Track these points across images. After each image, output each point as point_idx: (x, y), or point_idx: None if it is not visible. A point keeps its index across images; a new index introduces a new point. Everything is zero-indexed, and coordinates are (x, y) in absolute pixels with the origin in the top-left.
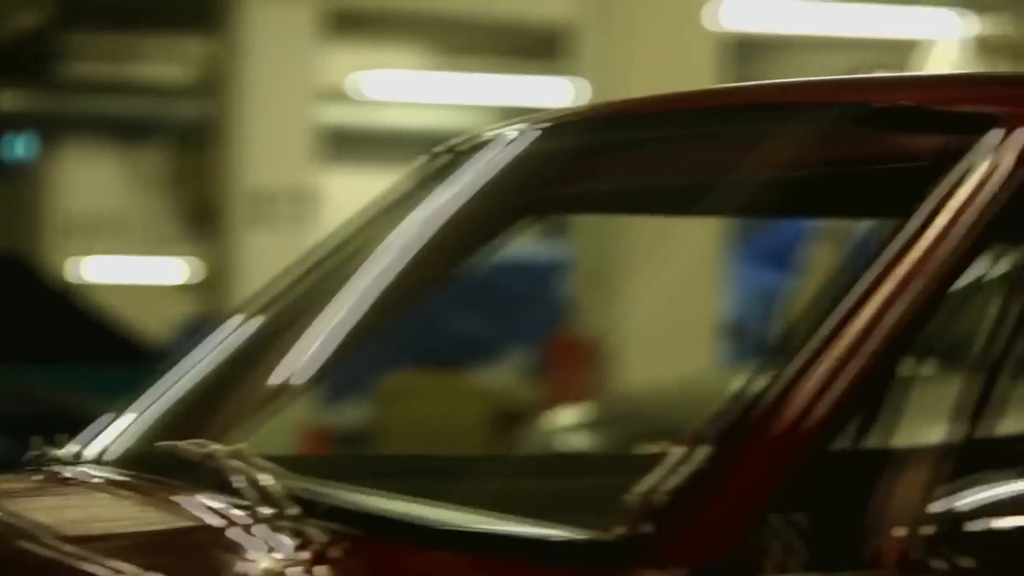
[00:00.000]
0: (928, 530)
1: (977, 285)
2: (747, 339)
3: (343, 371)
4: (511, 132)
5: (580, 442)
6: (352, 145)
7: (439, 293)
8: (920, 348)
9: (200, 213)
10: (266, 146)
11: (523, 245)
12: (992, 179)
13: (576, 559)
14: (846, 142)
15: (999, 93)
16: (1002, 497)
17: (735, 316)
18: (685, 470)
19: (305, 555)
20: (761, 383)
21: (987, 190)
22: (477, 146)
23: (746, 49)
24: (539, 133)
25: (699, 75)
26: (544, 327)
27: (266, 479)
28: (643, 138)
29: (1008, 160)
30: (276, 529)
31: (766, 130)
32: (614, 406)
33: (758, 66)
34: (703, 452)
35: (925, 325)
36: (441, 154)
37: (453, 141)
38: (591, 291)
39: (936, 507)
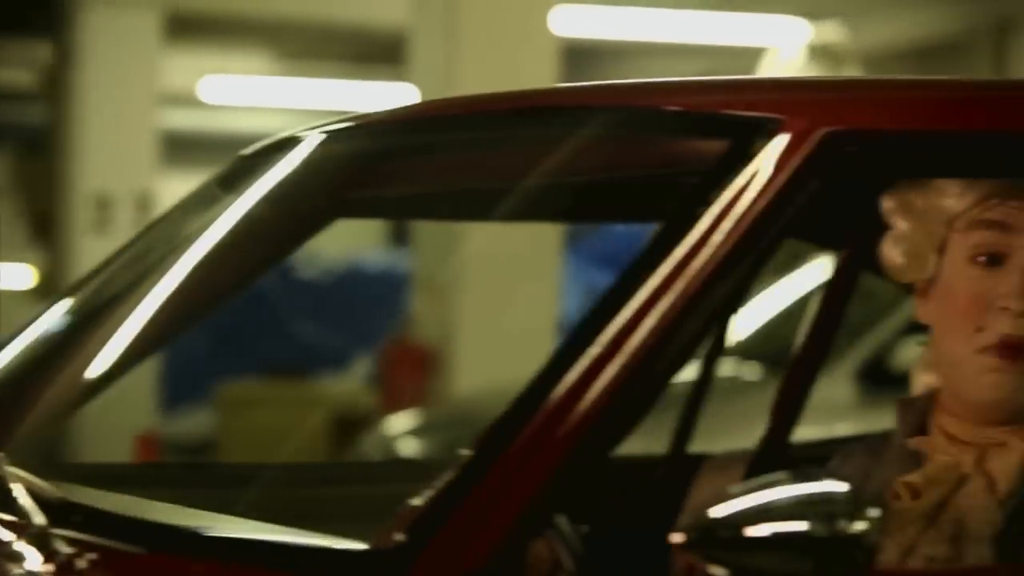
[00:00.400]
0: (710, 536)
1: (769, 288)
2: None
3: (170, 378)
4: (316, 134)
5: (413, 448)
6: (198, 150)
7: (243, 294)
8: (713, 351)
9: (42, 218)
10: (107, 151)
11: (370, 253)
12: (777, 183)
13: (334, 569)
14: (637, 146)
15: (787, 98)
16: (785, 501)
17: (573, 320)
18: (445, 479)
19: (48, 567)
20: (530, 388)
21: (772, 194)
22: (283, 148)
23: (586, 56)
24: (343, 135)
25: (536, 82)
26: (388, 334)
27: (17, 489)
28: (441, 141)
29: (794, 164)
30: (24, 540)
31: (559, 134)
32: (446, 411)
33: (598, 73)
34: (464, 460)
35: (709, 329)
36: (248, 156)
37: (259, 144)
38: (429, 297)
39: (719, 512)
